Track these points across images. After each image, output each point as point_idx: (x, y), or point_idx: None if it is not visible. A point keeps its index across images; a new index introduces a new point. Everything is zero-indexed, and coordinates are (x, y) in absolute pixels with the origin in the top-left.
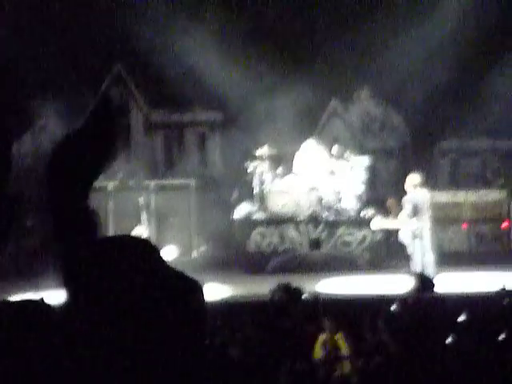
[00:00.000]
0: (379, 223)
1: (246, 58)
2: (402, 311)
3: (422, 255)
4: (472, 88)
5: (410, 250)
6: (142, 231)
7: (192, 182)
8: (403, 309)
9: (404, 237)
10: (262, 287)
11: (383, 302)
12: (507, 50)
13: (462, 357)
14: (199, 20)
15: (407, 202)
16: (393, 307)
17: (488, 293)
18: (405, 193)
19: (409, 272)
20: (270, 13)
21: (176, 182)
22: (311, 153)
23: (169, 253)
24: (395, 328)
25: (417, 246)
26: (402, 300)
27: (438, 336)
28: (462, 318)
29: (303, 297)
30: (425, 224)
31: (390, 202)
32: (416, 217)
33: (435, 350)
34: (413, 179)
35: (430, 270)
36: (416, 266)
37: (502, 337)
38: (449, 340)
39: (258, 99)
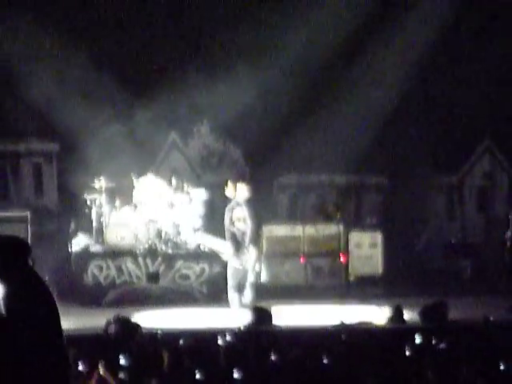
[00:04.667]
0: (205, 240)
1: (83, 88)
2: (236, 342)
3: (242, 289)
4: (310, 124)
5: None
6: None
7: (28, 214)
8: (238, 340)
9: (229, 269)
10: (98, 320)
11: (220, 334)
12: (340, 84)
13: None
14: (36, 48)
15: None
16: (228, 338)
17: (326, 326)
18: None
19: (245, 305)
20: (109, 41)
21: (11, 214)
22: (150, 185)
23: None
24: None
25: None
26: (238, 332)
27: (274, 367)
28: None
29: (140, 330)
30: (249, 258)
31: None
32: (239, 252)
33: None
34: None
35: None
36: (245, 299)
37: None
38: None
39: (96, 130)
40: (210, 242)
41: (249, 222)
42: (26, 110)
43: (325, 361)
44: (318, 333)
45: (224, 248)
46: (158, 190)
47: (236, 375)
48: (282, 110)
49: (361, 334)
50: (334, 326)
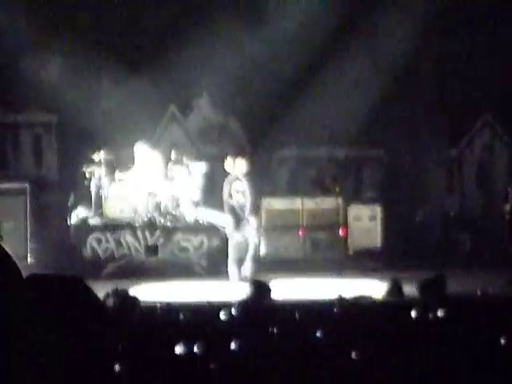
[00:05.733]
0: (204, 215)
1: (83, 61)
2: (237, 316)
3: (242, 262)
4: (310, 97)
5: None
6: None
7: (27, 186)
8: (238, 313)
9: (231, 242)
10: (97, 293)
11: (221, 307)
12: (340, 57)
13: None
14: (31, 19)
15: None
16: (230, 312)
17: (322, 300)
18: None
19: (244, 278)
20: (107, 13)
21: (11, 185)
22: (149, 158)
23: None
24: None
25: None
26: (239, 304)
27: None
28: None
29: (139, 303)
30: (249, 230)
31: None
32: (239, 224)
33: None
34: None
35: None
36: (245, 271)
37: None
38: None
39: (95, 102)
40: (209, 217)
41: (248, 194)
42: (26, 81)
43: (318, 334)
44: (314, 306)
45: (224, 222)
46: (157, 163)
47: (233, 347)
48: (282, 83)
49: (356, 307)
50: (331, 300)
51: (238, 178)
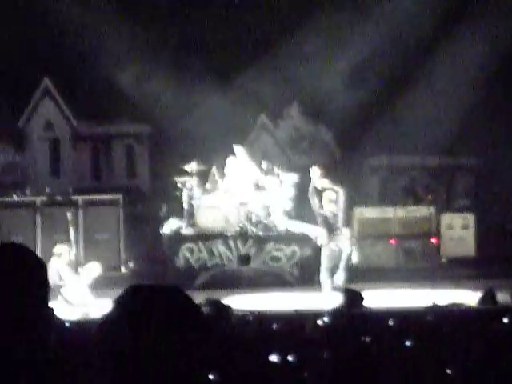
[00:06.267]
0: (299, 225)
1: (174, 71)
2: (332, 324)
3: (334, 271)
4: (402, 105)
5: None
6: (63, 249)
7: (120, 197)
8: (333, 322)
9: (325, 251)
10: None
11: (316, 316)
12: (432, 64)
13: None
14: (125, 33)
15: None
16: (325, 320)
17: (415, 308)
18: None
19: (336, 288)
20: (197, 25)
21: (104, 197)
22: (240, 168)
23: (92, 269)
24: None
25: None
26: (332, 313)
27: (366, 346)
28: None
29: (232, 313)
30: (342, 242)
31: None
32: (333, 233)
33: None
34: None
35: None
36: (337, 281)
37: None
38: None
39: (187, 113)
40: (301, 226)
41: (341, 203)
42: (118, 92)
43: (407, 343)
44: (407, 314)
45: (316, 231)
46: (248, 173)
47: (326, 355)
48: (373, 91)
49: (450, 315)
50: (424, 308)
51: (328, 188)
